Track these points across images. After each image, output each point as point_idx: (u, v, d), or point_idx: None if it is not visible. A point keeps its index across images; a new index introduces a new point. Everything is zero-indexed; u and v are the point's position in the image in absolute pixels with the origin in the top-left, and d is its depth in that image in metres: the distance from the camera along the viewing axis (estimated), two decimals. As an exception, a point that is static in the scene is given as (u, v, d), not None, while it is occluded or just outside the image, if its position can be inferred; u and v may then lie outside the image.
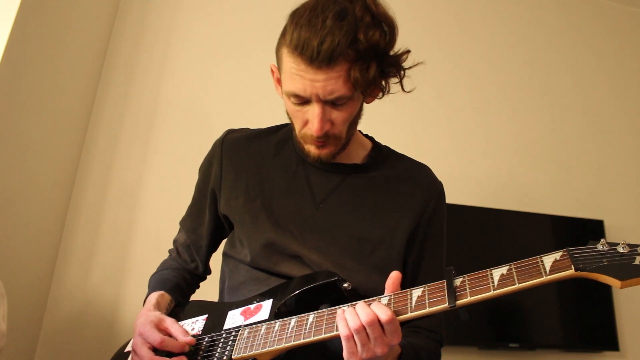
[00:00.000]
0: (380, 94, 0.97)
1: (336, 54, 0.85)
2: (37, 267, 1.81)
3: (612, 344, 2.32)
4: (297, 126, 0.98)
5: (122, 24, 2.29)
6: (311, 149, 0.98)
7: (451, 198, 2.24)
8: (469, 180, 2.48)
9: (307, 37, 0.85)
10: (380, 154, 1.10)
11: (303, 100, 0.92)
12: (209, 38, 2.35)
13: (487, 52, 2.76)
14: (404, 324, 1.01)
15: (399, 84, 0.96)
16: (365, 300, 0.80)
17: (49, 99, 1.75)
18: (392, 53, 0.92)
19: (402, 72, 0.94)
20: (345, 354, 0.78)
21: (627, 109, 2.89)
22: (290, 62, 0.89)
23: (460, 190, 2.38)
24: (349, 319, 0.77)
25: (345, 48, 0.85)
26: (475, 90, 2.67)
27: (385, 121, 2.39)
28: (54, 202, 1.91)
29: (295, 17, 0.89)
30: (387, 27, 0.90)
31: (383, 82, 0.95)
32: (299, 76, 0.88)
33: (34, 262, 1.78)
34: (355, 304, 0.80)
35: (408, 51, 0.93)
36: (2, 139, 1.47)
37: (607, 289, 2.39)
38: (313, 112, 0.92)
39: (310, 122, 0.93)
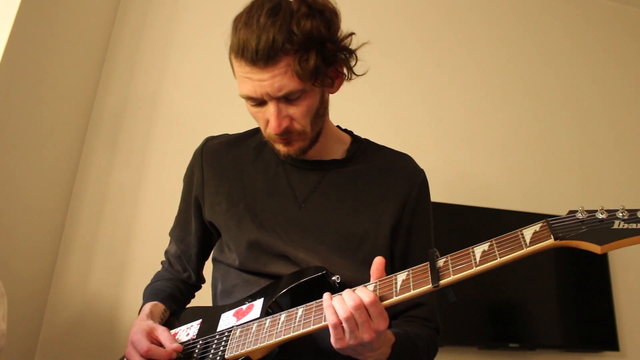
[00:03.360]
0: (334, 83, 0.97)
1: (274, 51, 0.86)
2: (37, 267, 1.81)
3: (612, 344, 2.32)
4: (261, 127, 0.99)
5: (122, 23, 2.29)
6: (280, 147, 0.99)
7: (452, 198, 2.26)
8: (470, 180, 2.48)
9: (245, 39, 0.87)
10: (360, 147, 1.10)
11: (258, 102, 0.93)
12: (209, 38, 2.35)
13: (474, 48, 2.75)
14: (397, 314, 1.01)
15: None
16: (352, 288, 0.81)
17: (49, 99, 1.75)
18: (327, 39, 0.92)
19: (349, 55, 0.95)
20: (332, 340, 0.79)
21: (628, 108, 2.89)
22: (237, 67, 0.91)
23: (460, 190, 2.38)
24: (337, 306, 0.77)
25: (282, 43, 0.86)
26: (467, 89, 2.67)
27: (371, 121, 2.40)
28: (54, 202, 1.91)
29: (235, 21, 0.91)
30: (325, 13, 0.90)
31: (342, 69, 0.96)
32: (247, 78, 0.90)
33: (34, 263, 1.78)
34: (341, 292, 0.80)
35: (351, 34, 0.94)
36: (2, 139, 1.47)
37: (607, 288, 2.39)
38: (269, 111, 0.93)
39: (269, 121, 0.94)
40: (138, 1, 2.34)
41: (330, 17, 0.91)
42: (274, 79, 0.88)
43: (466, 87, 2.66)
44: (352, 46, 0.95)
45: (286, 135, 0.95)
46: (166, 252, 1.21)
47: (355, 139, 1.13)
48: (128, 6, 2.31)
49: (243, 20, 0.89)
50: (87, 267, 1.96)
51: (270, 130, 0.95)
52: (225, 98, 2.27)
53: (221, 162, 1.10)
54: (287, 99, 0.92)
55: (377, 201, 1.03)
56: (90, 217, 2.02)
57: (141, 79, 2.23)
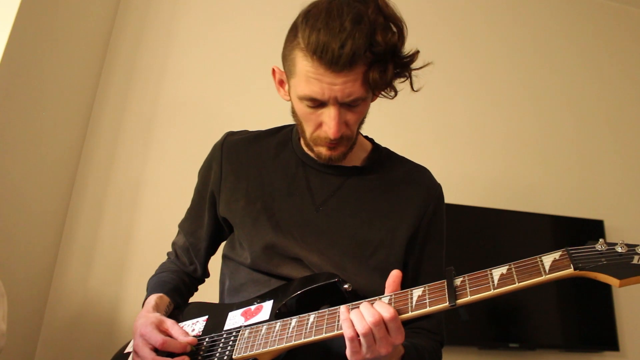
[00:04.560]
0: (394, 94, 0.98)
1: (356, 58, 0.85)
2: (37, 267, 1.81)
3: (612, 344, 2.32)
4: (309, 129, 0.97)
5: (122, 24, 2.29)
6: (322, 150, 0.98)
7: (452, 198, 2.26)
8: (470, 180, 2.48)
9: (326, 41, 0.85)
10: (380, 156, 1.11)
11: (318, 104, 0.92)
12: (209, 38, 2.35)
13: (474, 49, 2.75)
14: (405, 324, 1.01)
15: (408, 82, 0.96)
16: (368, 300, 0.80)
17: (49, 99, 1.75)
18: (403, 52, 0.92)
19: (411, 72, 0.95)
20: (348, 352, 0.79)
21: (628, 109, 2.89)
22: (306, 66, 0.89)
23: (460, 190, 2.38)
24: (355, 320, 0.77)
25: (365, 51, 0.86)
26: (468, 90, 2.67)
27: (379, 122, 2.39)
28: (54, 201, 1.91)
29: (310, 19, 0.88)
30: (396, 27, 0.91)
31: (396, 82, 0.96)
32: (317, 80, 0.88)
33: (34, 262, 1.78)
34: (358, 304, 0.80)
35: (418, 52, 0.94)
36: (2, 139, 1.47)
37: (607, 289, 2.39)
38: (329, 114, 0.92)
39: (326, 124, 0.93)
40: (138, 1, 2.34)
41: (400, 31, 0.91)
42: (345, 85, 0.88)
43: (467, 89, 2.66)
44: (416, 63, 0.95)
45: (338, 139, 0.95)
46: (173, 244, 1.20)
47: (376, 147, 1.13)
48: (128, 6, 2.31)
49: (323, 21, 0.86)
50: (87, 267, 1.96)
51: (325, 134, 0.94)
52: (225, 98, 2.28)
53: (241, 159, 1.10)
54: (350, 105, 0.92)
55: (395, 211, 1.03)
56: (90, 217, 2.02)
57: (141, 79, 2.23)
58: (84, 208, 2.02)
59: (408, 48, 0.94)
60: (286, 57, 0.95)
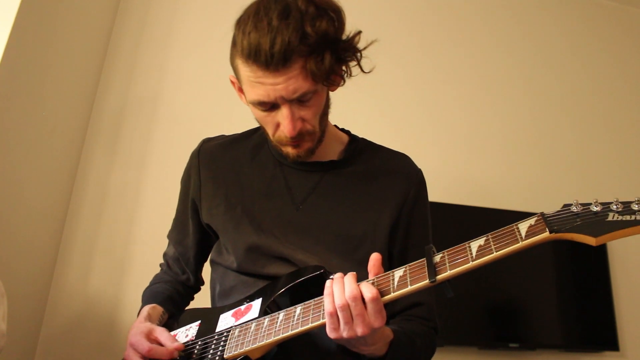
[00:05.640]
0: (342, 81, 0.96)
1: (289, 53, 0.84)
2: (37, 267, 1.81)
3: (612, 344, 2.32)
4: (270, 131, 0.97)
5: (122, 23, 2.29)
6: (288, 150, 0.98)
7: (451, 198, 2.26)
8: (469, 179, 2.48)
9: (257, 43, 0.84)
10: (357, 147, 1.10)
11: (269, 106, 0.92)
12: (209, 38, 2.35)
13: (473, 48, 2.75)
14: (395, 313, 1.00)
15: (357, 66, 0.94)
16: (353, 274, 0.80)
17: (49, 99, 1.75)
18: (344, 37, 0.91)
19: (359, 54, 0.94)
20: (327, 329, 0.79)
21: (627, 108, 2.89)
22: (247, 71, 0.89)
23: (459, 189, 2.38)
24: (335, 293, 0.77)
25: (297, 45, 0.84)
26: (466, 89, 2.67)
27: (370, 122, 2.40)
28: (54, 202, 1.91)
29: (242, 24, 0.89)
30: (332, 13, 0.89)
31: (343, 68, 0.95)
32: (259, 83, 0.88)
33: (34, 262, 1.78)
34: (344, 275, 0.80)
35: (359, 32, 0.93)
36: (2, 139, 1.47)
37: (607, 288, 2.39)
38: (282, 114, 0.92)
39: (281, 124, 0.93)
40: (138, 1, 2.34)
41: (338, 16, 0.90)
42: (288, 82, 0.87)
43: (465, 88, 2.66)
44: (360, 44, 0.94)
45: (298, 137, 0.95)
46: (164, 255, 1.21)
47: (353, 138, 1.12)
48: (128, 6, 2.32)
49: (251, 23, 0.86)
50: (87, 267, 1.96)
51: (284, 134, 0.94)
52: (225, 98, 2.27)
53: (218, 164, 1.10)
54: (300, 100, 0.91)
55: (375, 202, 1.03)
56: (90, 217, 2.02)
57: (141, 79, 2.23)
58: (84, 208, 2.02)
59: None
60: (232, 66, 0.95)
